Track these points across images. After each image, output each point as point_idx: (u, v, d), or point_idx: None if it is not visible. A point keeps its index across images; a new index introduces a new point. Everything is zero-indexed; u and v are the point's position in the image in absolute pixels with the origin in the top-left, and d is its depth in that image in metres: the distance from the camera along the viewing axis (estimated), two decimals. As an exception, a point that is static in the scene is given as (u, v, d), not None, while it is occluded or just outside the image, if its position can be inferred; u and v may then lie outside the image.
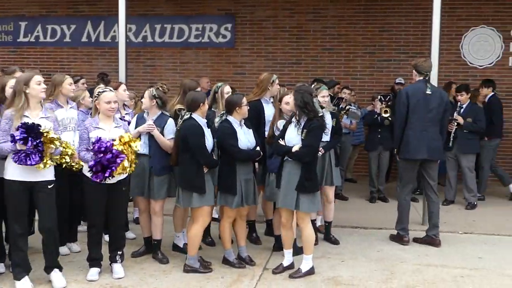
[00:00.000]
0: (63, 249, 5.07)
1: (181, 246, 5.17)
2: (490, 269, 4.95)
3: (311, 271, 4.68)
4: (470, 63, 9.30)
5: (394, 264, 5.08)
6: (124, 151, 4.16)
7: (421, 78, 5.65)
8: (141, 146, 4.55)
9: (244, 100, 4.85)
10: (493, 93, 7.90)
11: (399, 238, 5.74)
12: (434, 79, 6.22)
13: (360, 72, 9.57)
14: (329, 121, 5.55)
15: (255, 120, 5.30)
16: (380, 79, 9.51)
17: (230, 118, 4.79)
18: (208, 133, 4.69)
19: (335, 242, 5.67)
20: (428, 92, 5.56)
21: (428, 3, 9.19)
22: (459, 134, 7.28)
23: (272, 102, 5.64)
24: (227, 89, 5.45)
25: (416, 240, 5.78)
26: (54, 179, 4.31)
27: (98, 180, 4.20)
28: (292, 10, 9.63)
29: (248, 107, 4.91)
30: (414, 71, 5.69)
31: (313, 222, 5.71)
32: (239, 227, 4.98)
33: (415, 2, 9.16)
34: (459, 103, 7.40)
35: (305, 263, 4.68)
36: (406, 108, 5.56)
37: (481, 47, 9.22)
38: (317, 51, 9.62)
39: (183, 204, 4.67)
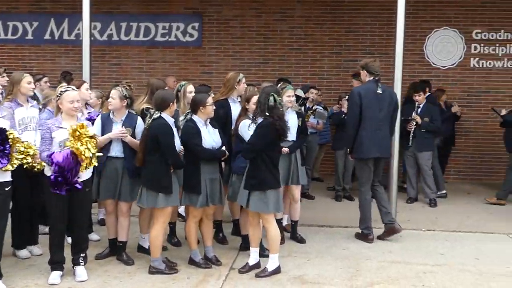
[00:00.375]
0: (23, 252, 4.96)
1: (146, 247, 5.11)
2: (451, 264, 5.06)
3: (277, 270, 4.69)
4: (434, 63, 9.50)
5: (359, 261, 5.14)
6: (80, 148, 4.08)
7: (372, 78, 5.74)
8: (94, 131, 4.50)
9: (209, 100, 4.83)
10: (429, 93, 8.08)
11: (364, 236, 5.82)
12: (398, 80, 6.35)
13: (327, 72, 9.66)
14: (294, 121, 5.61)
15: (222, 119, 5.30)
16: (346, 79, 9.56)
17: (194, 117, 4.77)
18: (176, 132, 4.66)
19: (301, 241, 5.70)
20: (379, 91, 5.67)
21: (393, 5, 9.32)
22: (417, 133, 7.45)
23: (239, 101, 5.63)
24: (190, 88, 5.43)
25: (380, 237, 5.86)
26: (11, 179, 4.20)
27: (58, 192, 4.15)
28: (259, 10, 9.65)
29: (214, 107, 4.90)
30: (364, 71, 5.78)
31: (280, 221, 5.74)
32: (205, 227, 4.96)
33: (380, 3, 9.30)
34: (416, 103, 7.56)
35: (271, 262, 4.69)
36: (359, 108, 5.64)
37: (444, 48, 9.43)
38: (284, 50, 9.66)
39: (148, 204, 4.60)
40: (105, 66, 9.81)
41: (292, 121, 5.42)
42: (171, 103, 4.63)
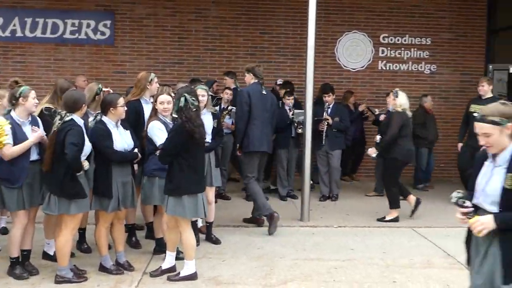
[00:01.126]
0: None
1: (52, 254, 4.85)
2: (360, 259, 5.26)
3: (192, 276, 4.58)
4: (344, 66, 9.85)
5: (274, 260, 5.20)
6: None
7: (256, 80, 6.33)
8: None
9: (120, 101, 4.67)
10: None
11: (256, 220, 6.33)
12: (310, 81, 6.51)
13: (242, 73, 9.65)
14: (210, 122, 5.59)
15: (134, 120, 5.16)
16: (261, 80, 9.71)
17: (105, 118, 4.60)
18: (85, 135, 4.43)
19: (216, 242, 5.68)
20: (264, 92, 6.37)
21: (305, 8, 9.60)
22: (329, 132, 7.71)
23: (152, 102, 5.50)
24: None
25: (245, 220, 6.48)
26: None
27: None
28: (174, 9, 9.51)
29: (126, 108, 4.75)
30: (250, 74, 6.33)
31: (195, 223, 5.69)
32: (116, 231, 4.79)
33: (294, 6, 9.50)
34: (326, 103, 7.81)
35: (186, 268, 4.59)
36: (248, 106, 6.18)
37: (354, 51, 9.81)
38: (199, 51, 9.60)
39: (59, 211, 4.31)
40: (8, 64, 9.23)
41: (207, 122, 5.38)
42: (83, 105, 4.42)
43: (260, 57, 9.70)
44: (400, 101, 6.69)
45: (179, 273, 4.59)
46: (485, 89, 7.42)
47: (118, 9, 9.42)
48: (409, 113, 6.87)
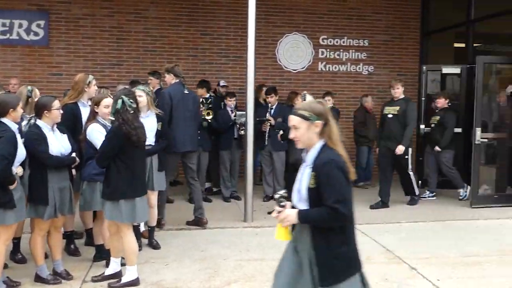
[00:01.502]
0: None
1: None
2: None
3: (134, 283, 4.48)
4: (285, 67, 9.97)
5: (218, 262, 5.18)
6: None
7: (178, 80, 6.33)
8: None
9: (55, 103, 4.50)
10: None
11: (198, 220, 6.42)
12: (250, 83, 6.54)
13: (184, 74, 9.57)
14: (153, 125, 5.50)
15: (71, 124, 5.00)
16: (203, 82, 9.66)
17: (39, 122, 4.42)
18: (20, 140, 4.23)
19: (155, 247, 5.58)
20: (186, 92, 6.35)
21: (245, 9, 9.65)
22: (272, 133, 7.77)
23: (90, 105, 5.34)
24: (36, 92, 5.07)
25: (188, 223, 6.45)
26: None
27: None
28: (111, 9, 9.31)
29: (61, 111, 4.59)
30: (170, 74, 6.33)
31: (137, 227, 5.59)
32: (53, 239, 4.61)
33: (234, 8, 9.52)
34: (269, 104, 7.88)
35: (128, 274, 4.49)
36: (170, 107, 6.11)
37: (294, 52, 9.95)
38: (139, 52, 9.44)
39: None
40: None
41: (150, 124, 5.33)
42: (11, 109, 4.20)
43: (201, 58, 9.67)
44: None
45: (120, 279, 4.48)
46: (400, 91, 7.60)
47: (53, 9, 9.11)
48: None
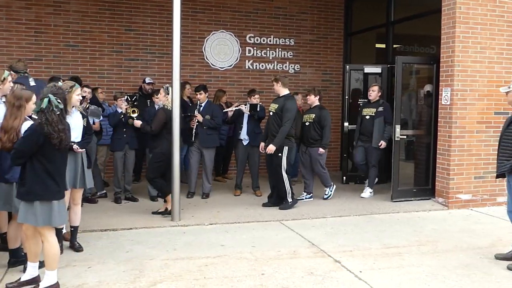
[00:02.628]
0: None
1: None
2: (231, 254, 5.32)
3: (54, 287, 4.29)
4: (212, 65, 9.92)
5: (143, 262, 5.05)
6: None
7: (22, 75, 6.18)
8: None
9: None
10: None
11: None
12: (176, 80, 6.42)
13: (108, 71, 9.33)
14: (80, 122, 5.34)
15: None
16: (128, 78, 9.43)
17: None
18: None
19: (78, 249, 5.36)
20: (32, 84, 6.09)
21: (171, 5, 9.52)
22: (200, 130, 7.71)
23: (4, 102, 5.03)
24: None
25: None
26: None
27: None
28: (29, 1, 8.84)
29: None
30: (12, 72, 6.03)
31: (59, 230, 5.33)
32: None
33: (159, 3, 9.35)
34: (199, 101, 7.82)
35: (46, 278, 4.25)
36: None
37: (221, 50, 9.93)
38: (60, 47, 9.05)
39: None
40: None
41: (77, 121, 5.28)
42: None
43: (126, 54, 9.42)
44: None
45: (38, 285, 4.25)
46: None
47: (-38, -2, 8.53)
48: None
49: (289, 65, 10.34)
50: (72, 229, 5.45)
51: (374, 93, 8.21)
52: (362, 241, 5.89)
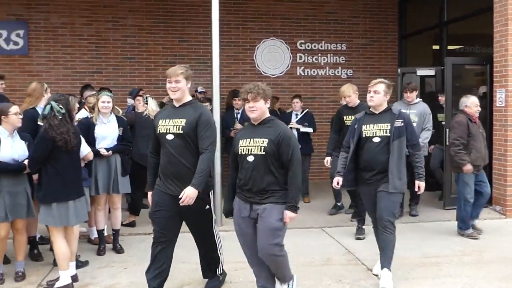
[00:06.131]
0: None
1: None
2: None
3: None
4: (264, 72, 10.03)
5: (176, 265, 5.07)
6: None
7: None
8: None
9: (12, 109, 4.60)
10: None
11: None
12: (216, 87, 6.59)
13: (162, 81, 9.68)
14: (115, 129, 5.65)
15: (32, 128, 5.09)
16: (182, 88, 9.74)
17: None
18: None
19: (119, 251, 5.65)
20: None
21: (222, 16, 9.73)
22: None
23: None
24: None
25: None
26: None
27: None
28: (90, 18, 9.43)
29: (21, 116, 4.70)
30: None
31: (101, 231, 5.68)
32: (16, 241, 4.80)
33: (209, 14, 9.57)
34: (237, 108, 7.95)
35: (61, 279, 4.48)
36: None
37: (272, 57, 10.02)
38: (118, 60, 9.55)
39: None
40: None
41: (112, 129, 5.61)
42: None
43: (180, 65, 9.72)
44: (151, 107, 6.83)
45: (54, 283, 4.52)
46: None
47: (32, 18, 9.24)
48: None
49: (341, 70, 10.24)
50: (114, 232, 5.75)
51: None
52: (402, 249, 5.70)
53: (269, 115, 3.90)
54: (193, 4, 9.64)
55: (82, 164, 5.12)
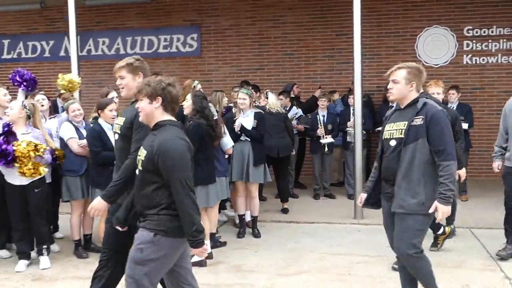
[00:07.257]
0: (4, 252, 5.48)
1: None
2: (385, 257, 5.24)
3: (200, 263, 4.90)
4: (426, 62, 9.52)
5: (303, 253, 5.43)
6: (23, 155, 4.68)
7: None
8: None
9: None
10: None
11: None
12: (358, 80, 6.60)
13: (320, 75, 9.92)
14: (251, 122, 6.03)
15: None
16: (339, 81, 9.82)
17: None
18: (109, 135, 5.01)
19: (256, 235, 6.08)
20: None
21: (380, 6, 9.55)
22: None
23: None
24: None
25: None
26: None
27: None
28: (254, 18, 10.07)
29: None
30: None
31: (242, 217, 6.18)
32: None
33: (367, 6, 9.43)
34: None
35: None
36: None
37: (435, 46, 9.46)
38: (279, 56, 10.02)
39: None
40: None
41: (249, 122, 6.03)
42: (100, 110, 5.21)
43: (338, 58, 9.83)
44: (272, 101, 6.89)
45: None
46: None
47: (203, 22, 10.25)
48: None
49: (516, 58, 9.19)
50: (252, 218, 6.19)
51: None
52: None
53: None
54: (349, -2, 9.62)
55: (226, 156, 5.68)
